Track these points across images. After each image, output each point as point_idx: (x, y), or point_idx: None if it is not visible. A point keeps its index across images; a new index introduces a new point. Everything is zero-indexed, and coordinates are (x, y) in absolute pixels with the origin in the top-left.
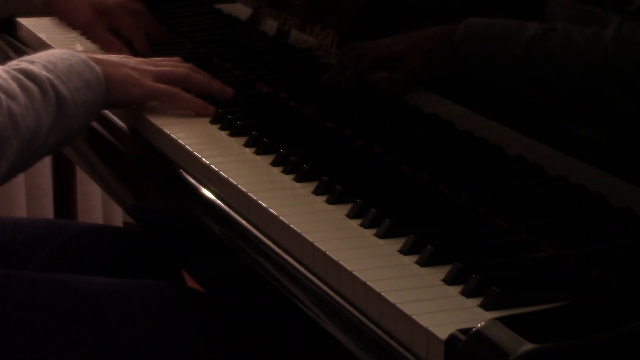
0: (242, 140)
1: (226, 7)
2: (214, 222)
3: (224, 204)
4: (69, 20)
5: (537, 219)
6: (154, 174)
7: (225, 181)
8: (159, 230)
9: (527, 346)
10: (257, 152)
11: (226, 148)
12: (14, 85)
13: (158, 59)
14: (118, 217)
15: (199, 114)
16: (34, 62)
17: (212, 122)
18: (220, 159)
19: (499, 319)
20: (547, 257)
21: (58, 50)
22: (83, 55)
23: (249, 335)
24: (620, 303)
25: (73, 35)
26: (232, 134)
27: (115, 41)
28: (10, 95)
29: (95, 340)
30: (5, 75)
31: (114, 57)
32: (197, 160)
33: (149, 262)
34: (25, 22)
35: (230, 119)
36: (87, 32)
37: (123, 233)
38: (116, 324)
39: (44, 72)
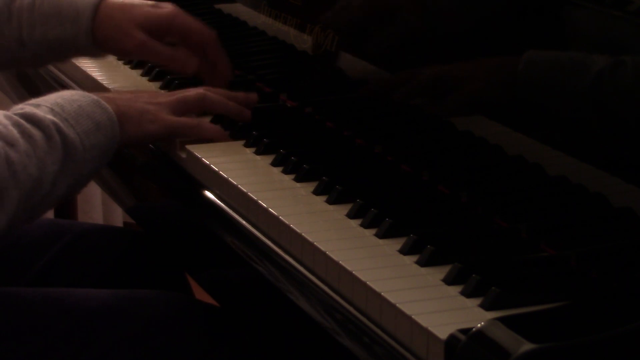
0: (242, 140)
1: (226, 7)
2: (213, 222)
3: (224, 204)
4: (119, 48)
5: (537, 219)
6: (154, 175)
7: (226, 181)
8: (159, 231)
9: (527, 346)
10: (257, 152)
11: (226, 148)
12: (14, 132)
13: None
14: (118, 217)
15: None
16: (40, 105)
17: (212, 122)
18: (221, 159)
19: (499, 319)
20: (547, 257)
21: (67, 91)
22: (94, 95)
23: (249, 336)
24: (620, 303)
25: None
26: (232, 134)
27: (181, 50)
28: (9, 142)
29: None
30: (5, 122)
31: (126, 94)
32: (197, 161)
33: (153, 264)
34: None
35: (230, 119)
36: (141, 53)
37: (127, 234)
38: (111, 343)
39: (49, 116)
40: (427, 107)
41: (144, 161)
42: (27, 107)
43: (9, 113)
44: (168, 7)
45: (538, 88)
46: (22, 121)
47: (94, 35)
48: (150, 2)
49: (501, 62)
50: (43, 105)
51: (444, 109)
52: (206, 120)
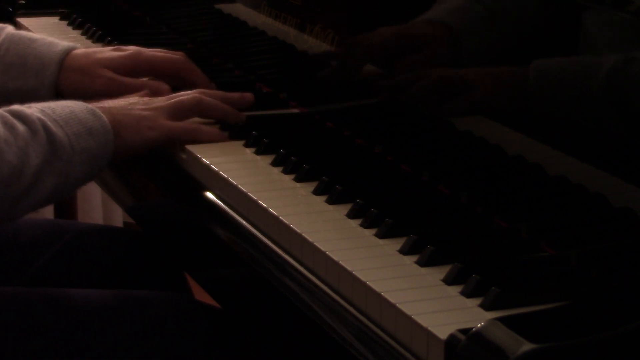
0: (242, 140)
1: (226, 7)
2: (213, 222)
3: (224, 204)
4: (87, 91)
5: (537, 219)
6: (154, 175)
7: (226, 181)
8: (159, 230)
9: (527, 346)
10: (257, 152)
11: (226, 148)
12: None
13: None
14: (118, 217)
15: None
16: (31, 106)
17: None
18: (221, 159)
19: (499, 319)
20: (547, 257)
21: (63, 100)
22: (89, 105)
23: (249, 337)
24: (620, 303)
25: (73, 35)
26: (232, 135)
27: (148, 80)
28: None
29: None
30: None
31: (120, 102)
32: (197, 161)
33: (152, 264)
34: (25, 22)
35: None
36: (110, 90)
37: (127, 234)
38: (110, 344)
39: (38, 114)
40: (427, 108)
41: (144, 160)
42: (17, 106)
43: None
44: (130, 48)
45: (552, 97)
46: (7, 114)
47: (58, 86)
48: (112, 47)
49: (509, 71)
50: (34, 107)
51: (448, 112)
52: (203, 124)
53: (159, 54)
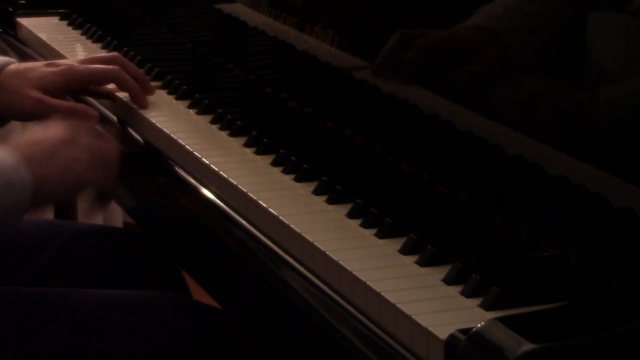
0: (242, 140)
1: (226, 7)
2: (213, 222)
3: (224, 204)
4: (17, 112)
5: (537, 219)
6: (153, 174)
7: (225, 181)
8: (159, 231)
9: (527, 346)
10: (257, 152)
11: (226, 148)
12: None
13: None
14: (118, 217)
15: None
16: None
17: (212, 121)
18: (220, 158)
19: (499, 319)
20: (547, 257)
21: None
22: (14, 159)
23: (248, 337)
24: (620, 303)
25: (73, 35)
26: (232, 134)
27: (76, 104)
28: None
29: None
30: None
31: (45, 150)
32: (197, 160)
33: (151, 264)
34: (25, 22)
35: (230, 118)
36: (39, 111)
37: (126, 234)
38: (108, 344)
39: None
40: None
41: (143, 160)
42: None
43: None
44: (63, 64)
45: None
46: None
47: None
48: (46, 62)
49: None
50: None
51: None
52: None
53: (91, 67)
